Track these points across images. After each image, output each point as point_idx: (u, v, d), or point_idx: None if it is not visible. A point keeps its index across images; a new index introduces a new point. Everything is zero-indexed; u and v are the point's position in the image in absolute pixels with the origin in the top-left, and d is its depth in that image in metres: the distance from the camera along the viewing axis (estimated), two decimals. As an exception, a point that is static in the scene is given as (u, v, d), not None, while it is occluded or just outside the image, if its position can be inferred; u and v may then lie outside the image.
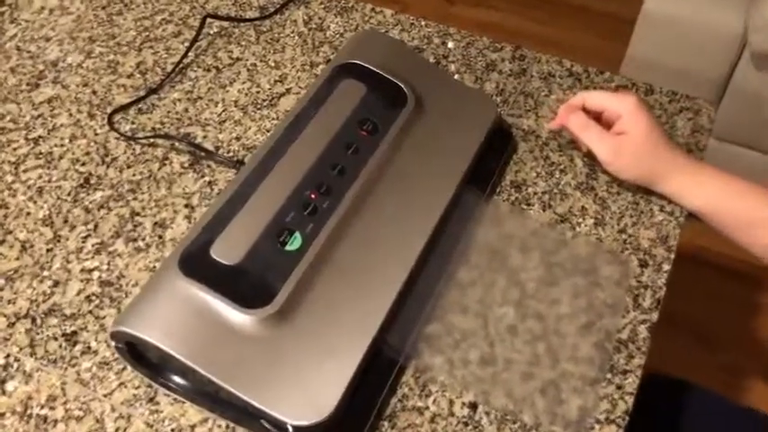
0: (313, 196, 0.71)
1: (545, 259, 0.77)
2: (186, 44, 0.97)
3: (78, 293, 0.74)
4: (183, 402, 0.66)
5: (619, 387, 0.68)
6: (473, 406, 0.67)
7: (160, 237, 0.78)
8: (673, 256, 0.78)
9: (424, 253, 0.71)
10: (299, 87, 0.93)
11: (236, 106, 0.91)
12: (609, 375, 0.69)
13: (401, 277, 0.69)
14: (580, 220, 0.80)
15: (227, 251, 0.66)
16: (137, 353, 0.65)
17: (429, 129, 0.79)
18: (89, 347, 0.70)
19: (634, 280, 0.76)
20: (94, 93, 0.92)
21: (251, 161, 0.74)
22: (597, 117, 0.81)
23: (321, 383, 0.62)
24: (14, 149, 0.86)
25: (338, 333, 0.65)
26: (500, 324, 0.72)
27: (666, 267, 0.77)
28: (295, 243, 0.67)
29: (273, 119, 0.89)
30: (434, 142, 0.79)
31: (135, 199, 0.81)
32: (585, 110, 0.81)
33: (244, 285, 0.64)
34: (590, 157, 0.85)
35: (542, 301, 0.74)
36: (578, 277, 0.76)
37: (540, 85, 0.94)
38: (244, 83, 0.93)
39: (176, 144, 0.86)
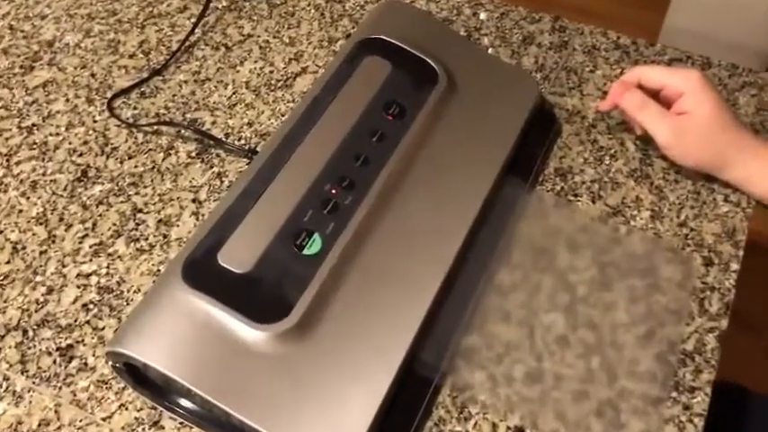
0: (334, 192, 0.61)
1: (597, 258, 0.67)
2: (193, 20, 0.87)
3: (74, 301, 0.66)
4: (191, 427, 0.58)
5: (686, 407, 0.59)
6: (519, 430, 0.58)
7: (165, 236, 0.69)
8: (741, 253, 0.68)
9: (460, 254, 0.62)
10: (317, 66, 0.83)
11: (247, 88, 0.81)
12: (674, 394, 0.60)
13: (436, 283, 0.59)
14: (635, 212, 0.70)
15: (236, 257, 0.57)
16: (138, 373, 0.57)
17: (463, 111, 0.70)
18: (86, 364, 0.62)
19: (698, 281, 0.66)
20: (93, 75, 0.83)
21: (264, 151, 0.65)
22: (654, 95, 0.71)
23: (346, 410, 0.53)
24: (6, 139, 0.78)
25: (365, 350, 0.56)
26: (548, 334, 0.63)
27: (735, 266, 0.67)
28: (314, 246, 0.58)
29: (289, 101, 0.80)
30: (470, 127, 0.69)
31: (137, 193, 0.73)
32: (641, 87, 0.71)
33: (256, 296, 0.55)
34: (643, 141, 0.75)
35: (595, 307, 0.64)
36: (635, 279, 0.66)
37: (584, 59, 0.83)
38: (256, 62, 0.84)
39: (182, 131, 0.77)
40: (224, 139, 0.76)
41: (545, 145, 0.74)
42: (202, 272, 0.56)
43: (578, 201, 0.71)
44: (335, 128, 0.65)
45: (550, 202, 0.71)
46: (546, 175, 0.73)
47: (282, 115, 0.79)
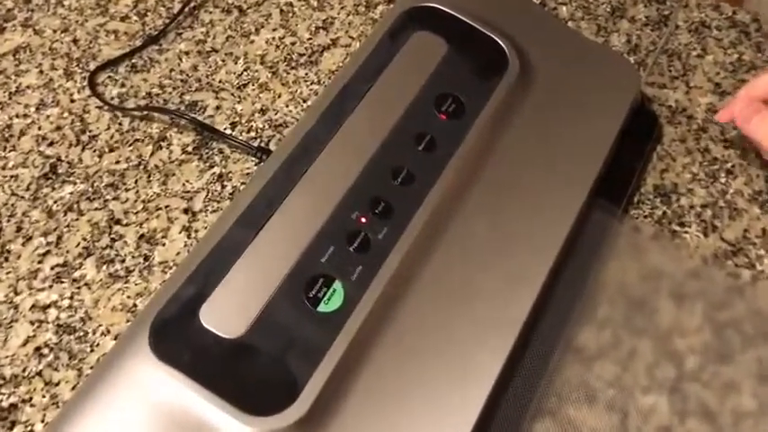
0: (363, 221, 0.44)
1: (711, 316, 0.49)
2: (201, -25, 0.70)
3: (25, 343, 0.50)
4: None
5: None
6: None
7: (146, 258, 0.53)
8: None
9: (534, 311, 0.45)
10: (350, 38, 0.65)
11: (262, 64, 0.64)
12: None
13: (500, 356, 0.42)
14: (761, 251, 0.52)
15: (225, 316, 0.40)
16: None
17: (541, 110, 0.51)
18: None
19: None
20: (75, 42, 0.66)
21: (276, 155, 0.47)
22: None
23: None
24: (-37, 120, 0.62)
25: (399, 454, 0.39)
26: (646, 424, 0.45)
27: None
28: (334, 300, 0.41)
29: (313, 83, 0.62)
30: (549, 131, 0.51)
31: (116, 198, 0.56)
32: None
33: (251, 375, 0.39)
34: (773, 153, 0.56)
35: (710, 387, 0.47)
36: (765, 347, 0.48)
37: (690, 39, 0.64)
38: (274, 30, 0.66)
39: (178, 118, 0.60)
40: (229, 133, 0.59)
41: (644, 156, 0.56)
42: (177, 337, 0.40)
43: (685, 233, 0.53)
44: (370, 129, 0.48)
45: (649, 234, 0.53)
46: (643, 196, 0.55)
47: (304, 101, 0.61)
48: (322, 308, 0.41)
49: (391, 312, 0.42)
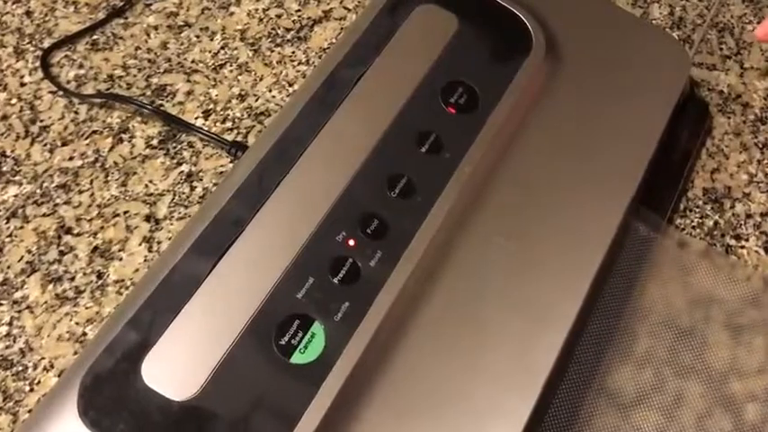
0: (351, 244, 0.35)
1: (777, 354, 0.40)
2: (174, -65, 0.60)
3: (-47, 379, 0.42)
4: None
5: None
6: None
7: (99, 275, 0.45)
8: None
9: (564, 350, 0.36)
10: (345, 9, 0.56)
11: (242, 40, 0.54)
12: None
13: (524, 409, 0.34)
14: (834, 271, 0.43)
15: (173, 371, 0.32)
16: None
17: (570, 101, 0.42)
18: (-42, 490, 0.39)
19: None
20: (29, 14, 0.57)
21: (248, 157, 0.38)
22: None
23: None
24: None
25: None
26: (698, 492, 0.37)
27: None
28: (312, 348, 0.33)
29: (301, 63, 0.53)
30: (582, 128, 0.41)
31: (67, 202, 0.47)
32: None
33: (204, 447, 0.31)
34: None
35: (776, 445, 0.38)
36: (842, 394, 0.39)
37: (745, 11, 0.54)
38: (258, 0, 0.57)
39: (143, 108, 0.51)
40: (201, 125, 0.50)
41: (692, 153, 0.46)
42: (113, 399, 0.31)
43: (741, 248, 0.44)
44: (361, 126, 0.39)
45: (697, 249, 0.43)
46: (691, 202, 0.46)
47: (290, 85, 0.52)
48: (297, 358, 0.32)
49: (385, 362, 0.33)
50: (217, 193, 0.37)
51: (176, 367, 0.32)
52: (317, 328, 0.33)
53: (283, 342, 0.33)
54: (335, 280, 0.34)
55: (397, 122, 0.39)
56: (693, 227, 0.45)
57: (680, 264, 0.43)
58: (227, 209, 0.35)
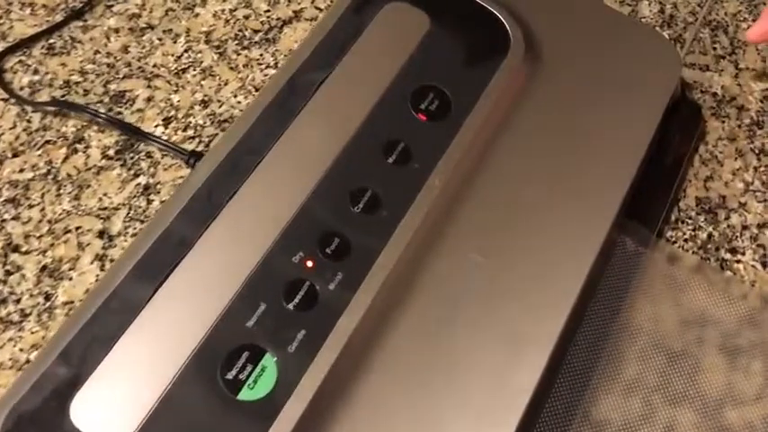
0: (309, 265, 0.32)
1: (776, 378, 0.37)
2: (138, -67, 0.56)
3: None
4: None
5: None
6: None
7: (47, 297, 0.41)
8: None
9: (545, 377, 0.33)
10: (317, 9, 0.52)
11: (207, 43, 0.51)
12: None
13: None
14: (838, 287, 0.40)
15: (106, 410, 0.28)
16: None
17: (552, 107, 0.39)
18: None
19: None
20: (-18, 17, 0.54)
21: (203, 166, 0.35)
22: None
23: None
24: None
25: None
26: None
27: None
28: (262, 383, 0.29)
29: (269, 66, 0.50)
30: (564, 135, 0.38)
31: (16, 218, 0.44)
32: None
33: (138, 496, 0.27)
34: None
35: (777, 480, 0.35)
36: None
37: (739, 8, 0.51)
38: (224, 0, 0.53)
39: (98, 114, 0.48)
40: (160, 133, 0.46)
41: (684, 160, 0.43)
42: (36, 443, 0.28)
43: (737, 262, 0.41)
44: (323, 135, 0.36)
45: (690, 264, 0.40)
46: (683, 213, 0.42)
47: (257, 90, 0.49)
48: (245, 394, 0.29)
49: (344, 398, 0.30)
50: (163, 209, 0.33)
51: (109, 406, 0.28)
52: (269, 360, 0.30)
53: (230, 377, 0.29)
54: (290, 306, 0.31)
55: (362, 131, 0.36)
56: (685, 240, 0.41)
57: (671, 280, 0.39)
58: (172, 228, 0.32)
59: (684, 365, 0.37)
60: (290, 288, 0.31)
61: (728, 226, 0.42)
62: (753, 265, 0.41)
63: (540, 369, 0.32)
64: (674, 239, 0.41)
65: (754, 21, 0.50)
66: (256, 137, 0.35)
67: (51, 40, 0.52)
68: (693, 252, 0.41)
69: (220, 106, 0.48)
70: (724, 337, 0.38)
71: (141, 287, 0.31)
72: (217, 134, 0.47)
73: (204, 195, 0.33)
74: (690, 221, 0.42)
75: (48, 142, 0.47)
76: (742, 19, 0.50)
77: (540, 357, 0.32)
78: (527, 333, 0.33)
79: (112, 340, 0.29)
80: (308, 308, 0.31)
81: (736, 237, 0.42)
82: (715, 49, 0.49)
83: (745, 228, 0.42)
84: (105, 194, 0.45)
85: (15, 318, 0.41)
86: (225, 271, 0.31)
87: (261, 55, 0.50)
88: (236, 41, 0.51)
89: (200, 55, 0.51)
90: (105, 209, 0.44)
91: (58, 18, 0.53)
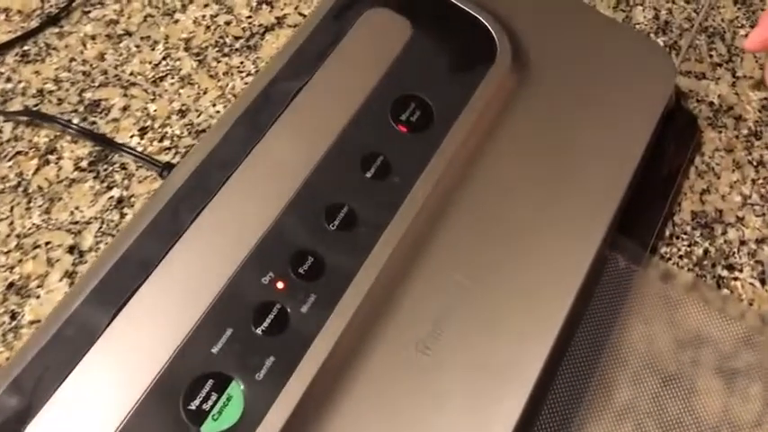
0: (280, 286, 0.30)
1: (775, 404, 0.35)
2: (118, -63, 0.55)
3: None
4: None
5: None
6: None
7: (13, 316, 0.39)
8: None
9: (530, 404, 0.31)
10: (300, 15, 0.51)
11: (186, 50, 0.49)
12: None
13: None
14: (840, 306, 0.38)
15: (58, 445, 0.27)
16: None
17: (540, 118, 0.37)
18: None
19: None
20: (-44, 23, 0.52)
21: (170, 180, 0.33)
22: None
23: None
24: None
25: None
26: None
27: None
28: (227, 414, 0.28)
29: (249, 74, 0.48)
30: (553, 148, 0.36)
31: (-16, 232, 0.43)
32: None
33: None
34: None
35: None
36: None
37: (736, 15, 0.49)
38: (206, 5, 0.52)
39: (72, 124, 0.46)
40: (131, 147, 0.45)
41: (679, 173, 0.41)
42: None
43: (735, 280, 0.39)
44: (298, 147, 0.34)
45: (685, 282, 0.38)
46: (678, 227, 0.41)
47: (236, 98, 0.47)
48: (209, 426, 0.27)
49: (316, 430, 0.28)
50: (126, 228, 0.31)
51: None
52: (235, 388, 0.28)
53: (193, 407, 0.27)
54: (259, 330, 0.29)
55: (340, 143, 0.34)
56: (680, 256, 0.40)
57: (665, 299, 0.37)
58: (134, 248, 0.30)
59: (679, 389, 0.36)
60: (258, 311, 0.30)
61: (725, 241, 0.40)
62: (751, 283, 0.39)
63: (525, 397, 0.30)
64: (668, 256, 0.40)
65: (751, 27, 0.48)
66: (227, 149, 0.33)
67: (26, 47, 0.50)
68: (688, 269, 0.39)
69: (199, 116, 0.46)
70: (721, 359, 0.36)
71: (99, 312, 0.29)
72: (194, 144, 0.45)
73: (169, 212, 0.31)
74: (685, 237, 0.40)
75: (19, 153, 0.45)
76: (739, 25, 0.48)
77: (524, 384, 0.31)
78: (511, 358, 0.31)
79: (67, 369, 0.28)
80: (277, 332, 0.29)
81: (734, 253, 0.40)
82: (711, 56, 0.47)
83: (742, 243, 0.40)
84: (77, 208, 0.43)
85: (-20, 337, 0.39)
86: (189, 293, 0.29)
87: (242, 62, 0.49)
88: (217, 48, 0.49)
89: (178, 63, 0.49)
90: (77, 223, 0.42)
91: (34, 24, 0.51)
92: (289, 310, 0.30)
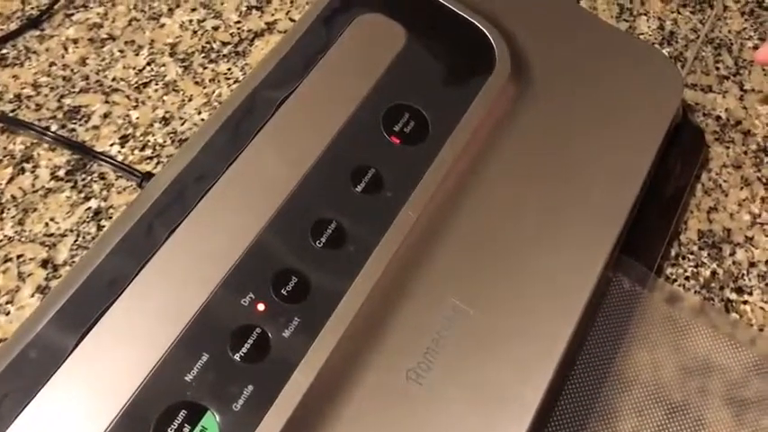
0: (261, 308, 0.28)
1: (788, 437, 0.33)
2: (104, -62, 0.53)
3: None
4: None
5: None
6: None
7: (-19, 333, 0.37)
8: None
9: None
10: (291, 20, 0.49)
11: (172, 55, 0.48)
12: None
13: None
14: None
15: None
16: None
17: (541, 131, 0.35)
18: None
19: None
20: (-68, 24, 0.50)
21: (151, 188, 0.31)
22: None
23: None
24: None
25: None
26: None
27: None
28: (201, 448, 0.25)
29: (237, 81, 0.46)
30: (554, 163, 0.34)
31: (-47, 244, 0.40)
32: None
33: None
34: None
35: None
36: None
37: (743, 26, 0.47)
38: (194, 10, 0.50)
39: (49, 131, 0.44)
40: (110, 156, 0.42)
41: (685, 191, 0.39)
42: None
43: (744, 303, 0.37)
44: (283, 159, 0.32)
45: (692, 305, 0.36)
46: (684, 247, 0.39)
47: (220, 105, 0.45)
48: (180, 461, 0.25)
49: (295, 465, 0.26)
50: (97, 243, 0.29)
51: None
52: (210, 420, 0.26)
53: (164, 440, 0.25)
54: (237, 356, 0.27)
55: (328, 155, 0.32)
56: (687, 278, 0.38)
57: (671, 323, 0.35)
58: (105, 264, 0.28)
59: (685, 419, 0.33)
60: (237, 336, 0.27)
61: (734, 262, 0.38)
62: (761, 307, 0.37)
63: (524, 428, 0.28)
64: (674, 277, 0.38)
65: (760, 39, 0.46)
66: (207, 160, 0.31)
67: (4, 51, 0.48)
68: (695, 291, 0.37)
69: (183, 124, 0.44)
70: (730, 388, 0.34)
71: (65, 333, 0.26)
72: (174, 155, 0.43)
73: (144, 227, 0.29)
74: (691, 257, 0.38)
75: (-7, 161, 0.43)
76: (747, 37, 0.47)
77: (523, 415, 0.29)
78: (509, 387, 0.29)
79: (29, 395, 0.25)
80: (257, 359, 0.27)
81: (743, 275, 0.38)
82: (718, 68, 0.45)
83: (752, 265, 0.38)
84: (52, 219, 0.41)
85: (-57, 357, 0.37)
86: (163, 315, 0.27)
87: (229, 69, 0.47)
88: (203, 54, 0.47)
89: (163, 68, 0.47)
90: (51, 235, 0.40)
91: (13, 26, 0.49)
92: (270, 334, 0.28)
